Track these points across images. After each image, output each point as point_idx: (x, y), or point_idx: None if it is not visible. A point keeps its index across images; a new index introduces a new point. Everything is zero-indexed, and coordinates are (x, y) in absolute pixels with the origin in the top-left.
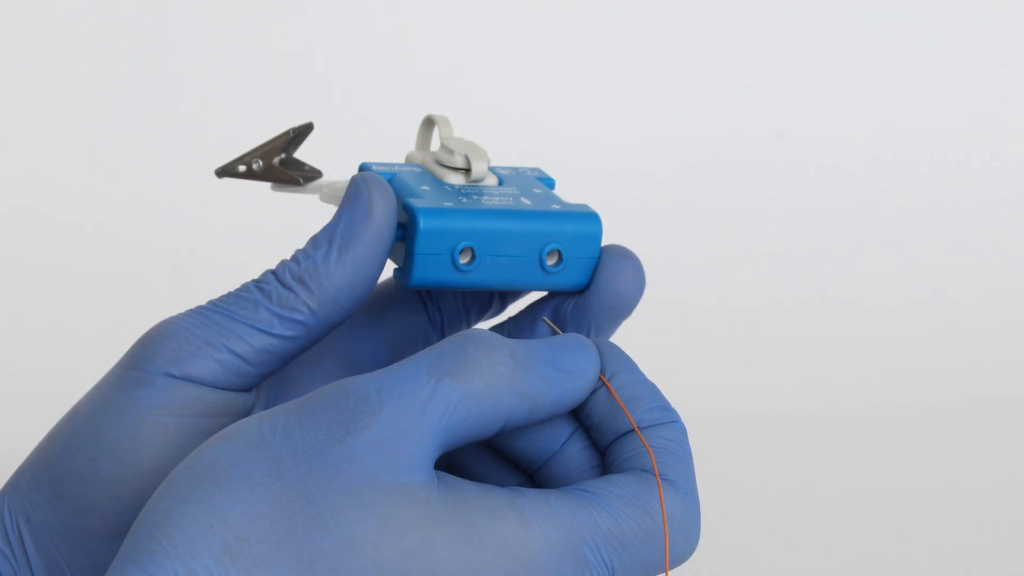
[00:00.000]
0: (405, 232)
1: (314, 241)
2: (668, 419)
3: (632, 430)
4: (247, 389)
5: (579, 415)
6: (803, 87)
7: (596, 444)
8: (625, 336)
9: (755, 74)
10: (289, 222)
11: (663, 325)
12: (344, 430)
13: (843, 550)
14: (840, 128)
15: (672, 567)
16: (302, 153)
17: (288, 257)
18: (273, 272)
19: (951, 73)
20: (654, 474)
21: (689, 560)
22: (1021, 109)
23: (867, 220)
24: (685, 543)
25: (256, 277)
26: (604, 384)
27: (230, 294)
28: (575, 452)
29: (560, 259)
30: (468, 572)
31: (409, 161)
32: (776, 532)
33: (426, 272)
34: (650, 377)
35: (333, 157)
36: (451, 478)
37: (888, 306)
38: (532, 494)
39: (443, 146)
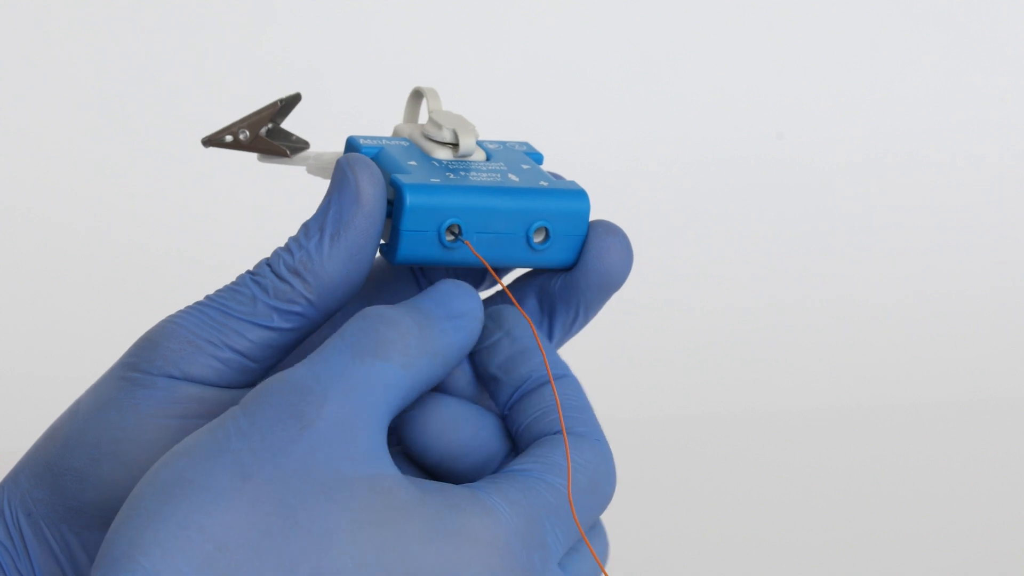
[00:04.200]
0: (392, 208)
1: (306, 229)
2: (562, 372)
3: (528, 391)
4: (250, 385)
5: (478, 368)
6: (803, 87)
7: (496, 399)
8: (626, 336)
9: (755, 74)
10: (288, 219)
11: (663, 325)
12: (298, 424)
13: (843, 550)
14: (840, 128)
15: (601, 511)
16: (295, 129)
17: (281, 246)
18: (268, 263)
19: (952, 73)
20: (563, 433)
21: (689, 559)
22: (1022, 109)
23: (867, 220)
24: (609, 486)
25: (251, 268)
26: (501, 334)
27: (227, 288)
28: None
29: (547, 236)
30: (445, 564)
31: (397, 134)
32: (776, 532)
33: (412, 248)
34: (651, 377)
35: (327, 136)
36: (407, 475)
37: (888, 306)
38: (486, 485)
39: (431, 120)
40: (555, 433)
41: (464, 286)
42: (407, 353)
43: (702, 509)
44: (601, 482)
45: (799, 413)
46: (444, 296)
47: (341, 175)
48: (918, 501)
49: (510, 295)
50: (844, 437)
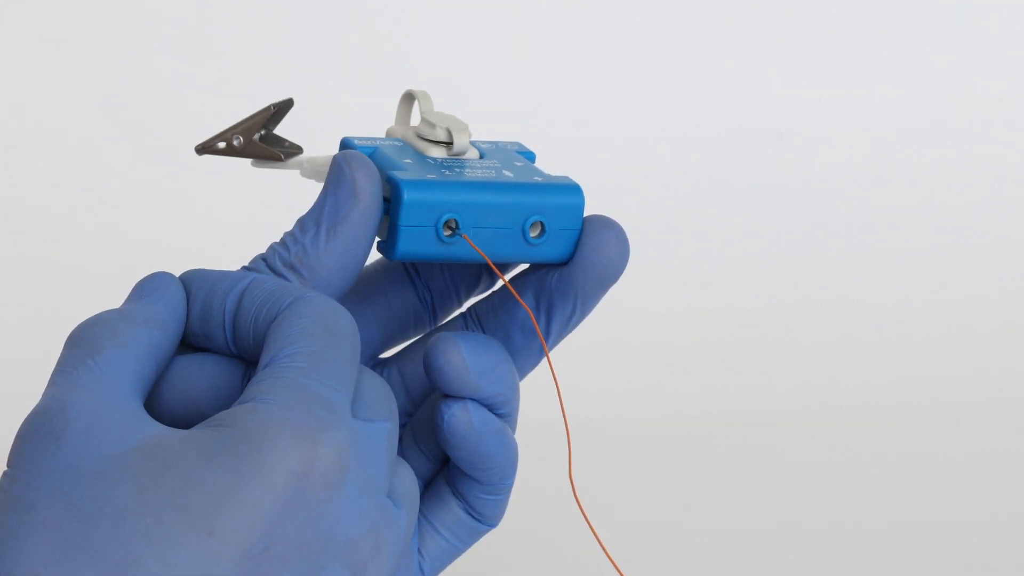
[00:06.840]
0: (389, 205)
1: (301, 224)
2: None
3: (231, 314)
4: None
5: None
6: (803, 87)
7: (229, 346)
8: (625, 336)
9: (755, 74)
10: (284, 216)
11: (662, 325)
12: (53, 438)
13: (844, 550)
14: (841, 128)
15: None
16: (288, 134)
17: (277, 241)
18: (264, 258)
19: (952, 73)
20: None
21: (688, 559)
22: (1022, 109)
23: (867, 220)
24: (344, 318)
25: (247, 264)
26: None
27: None
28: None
29: (543, 230)
30: (235, 467)
31: (390, 136)
32: (776, 533)
33: (410, 244)
34: (651, 376)
35: (319, 141)
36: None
37: (887, 306)
38: (243, 393)
39: (424, 120)
40: (272, 321)
41: (153, 274)
42: (115, 335)
43: (701, 509)
44: (331, 320)
45: (799, 413)
46: (138, 286)
47: (338, 170)
48: (918, 501)
49: (511, 288)
50: (844, 437)
